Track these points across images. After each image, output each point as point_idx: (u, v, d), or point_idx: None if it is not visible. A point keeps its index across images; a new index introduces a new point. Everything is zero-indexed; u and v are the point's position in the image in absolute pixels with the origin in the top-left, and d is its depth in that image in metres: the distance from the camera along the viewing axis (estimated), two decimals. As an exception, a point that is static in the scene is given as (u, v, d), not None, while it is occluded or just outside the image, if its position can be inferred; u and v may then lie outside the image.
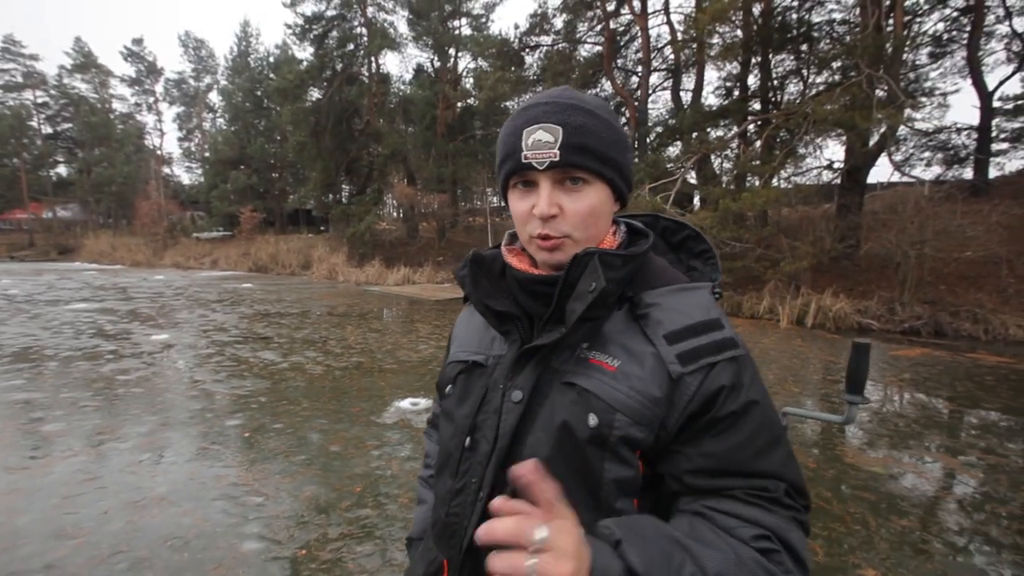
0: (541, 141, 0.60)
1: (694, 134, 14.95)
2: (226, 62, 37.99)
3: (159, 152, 46.24)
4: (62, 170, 45.55)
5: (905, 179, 12.90)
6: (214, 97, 42.92)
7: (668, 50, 18.18)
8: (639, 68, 18.11)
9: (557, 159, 0.60)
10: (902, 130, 14.04)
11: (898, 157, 15.35)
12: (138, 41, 43.94)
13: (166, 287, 15.41)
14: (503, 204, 0.68)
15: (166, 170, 46.85)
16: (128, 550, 2.28)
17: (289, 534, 2.43)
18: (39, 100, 42.72)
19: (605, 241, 0.67)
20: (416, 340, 7.45)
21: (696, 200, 17.35)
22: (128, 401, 4.41)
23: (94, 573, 2.12)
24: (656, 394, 0.58)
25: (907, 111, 11.28)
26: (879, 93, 10.96)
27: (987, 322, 8.83)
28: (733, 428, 0.58)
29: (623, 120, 21.18)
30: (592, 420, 0.58)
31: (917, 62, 15.30)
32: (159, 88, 45.13)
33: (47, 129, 43.82)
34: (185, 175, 47.94)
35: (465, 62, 25.13)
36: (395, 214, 29.80)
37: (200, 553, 2.27)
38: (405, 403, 4.43)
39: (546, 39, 18.84)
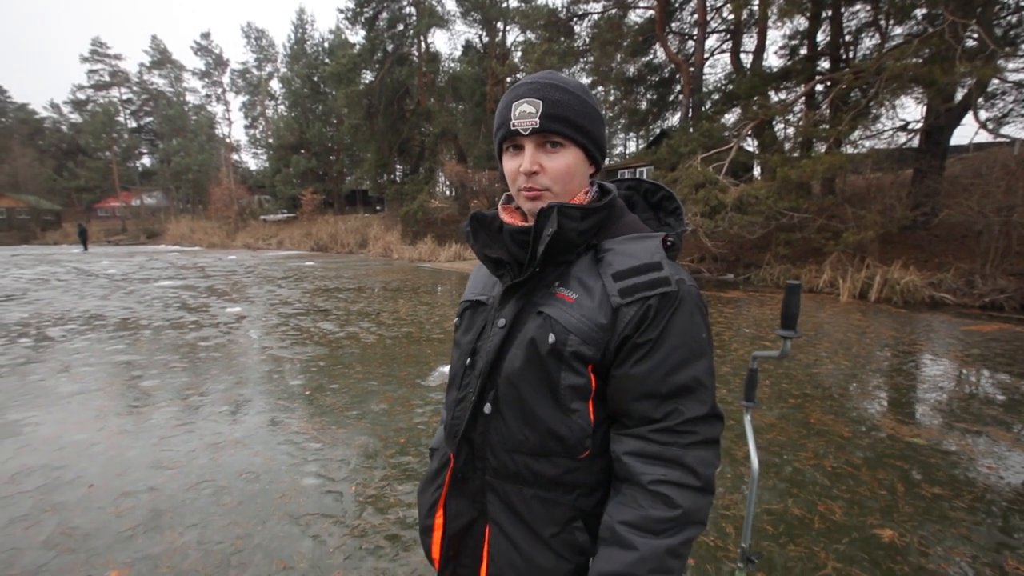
0: (526, 112, 0.76)
1: (754, 99, 14.11)
2: (285, 50, 39.61)
3: (228, 140, 49.32)
4: (146, 161, 49.71)
5: (1000, 139, 11.60)
6: (275, 85, 44.97)
7: (727, 9, 17.10)
8: (695, 31, 17.17)
9: (538, 126, 0.75)
10: (999, 83, 12.56)
11: (993, 113, 13.77)
12: (206, 35, 46.60)
13: (238, 266, 16.72)
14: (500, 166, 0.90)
15: (235, 157, 49.98)
16: (211, 480, 2.70)
17: (341, 473, 2.77)
18: (124, 97, 46.58)
19: (577, 198, 0.81)
20: (462, 313, 7.78)
21: (756, 169, 16.46)
22: (209, 364, 4.99)
23: (186, 495, 2.55)
24: (602, 321, 0.74)
25: (999, 62, 10.10)
26: (969, 42, 9.87)
27: (1085, 296, 7.98)
28: (651, 352, 0.73)
29: (677, 87, 20.27)
30: (551, 338, 0.75)
31: (1022, 2, 13.48)
32: (226, 79, 47.93)
33: (132, 124, 47.81)
34: (252, 161, 51.00)
35: (513, 35, 24.88)
36: (446, 192, 30.33)
37: (268, 485, 2.65)
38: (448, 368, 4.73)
39: (595, 6, 18.23)
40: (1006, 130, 12.79)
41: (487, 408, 0.81)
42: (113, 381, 4.41)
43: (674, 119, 21.72)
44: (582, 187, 0.82)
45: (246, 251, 26.11)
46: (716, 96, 17.18)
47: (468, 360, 0.86)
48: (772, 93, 14.72)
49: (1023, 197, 8.79)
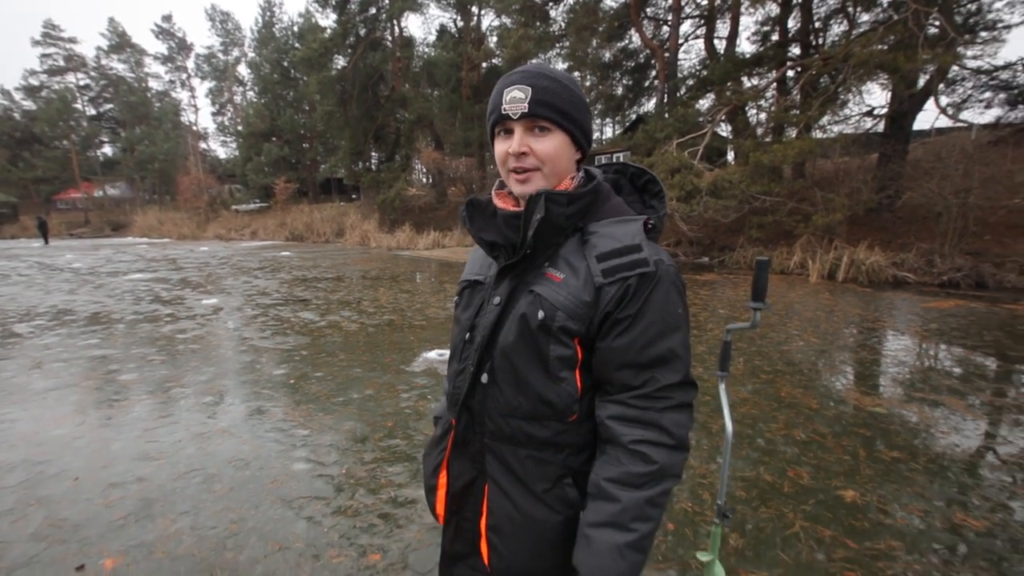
0: (516, 98, 0.81)
1: (727, 84, 14.31)
2: (252, 34, 38.22)
3: (195, 128, 47.59)
4: (108, 150, 47.57)
5: (959, 124, 12.08)
6: (243, 70, 43.48)
7: (700, -6, 17.20)
8: (669, 17, 17.24)
9: (527, 111, 0.81)
10: (958, 70, 13.02)
11: (954, 99, 14.29)
12: (167, 18, 44.67)
13: (211, 257, 16.32)
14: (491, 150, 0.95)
15: (203, 145, 48.32)
16: (201, 468, 2.72)
17: (331, 458, 2.82)
18: (81, 82, 44.37)
19: (563, 183, 0.87)
20: (444, 299, 7.81)
21: (731, 154, 16.75)
22: (188, 356, 4.93)
23: (176, 484, 2.56)
24: (586, 299, 0.81)
25: (959, 49, 10.47)
26: (931, 30, 10.19)
27: (1035, 273, 8.45)
28: (630, 327, 0.79)
29: (652, 73, 20.39)
30: (540, 314, 0.82)
31: (981, -9, 13.90)
32: (190, 64, 46.08)
33: (91, 111, 45.62)
34: (221, 149, 49.49)
35: (488, 20, 24.52)
36: (423, 180, 30.00)
37: (258, 471, 2.68)
38: (432, 354, 4.79)
39: (571, -10, 18.10)
40: (965, 115, 13.26)
41: (484, 378, 0.87)
42: (89, 375, 4.33)
43: (649, 104, 21.88)
44: (568, 171, 0.87)
45: (218, 242, 25.44)
46: (691, 82, 17.35)
47: (467, 335, 0.93)
48: (745, 79, 14.95)
49: (979, 180, 9.21)
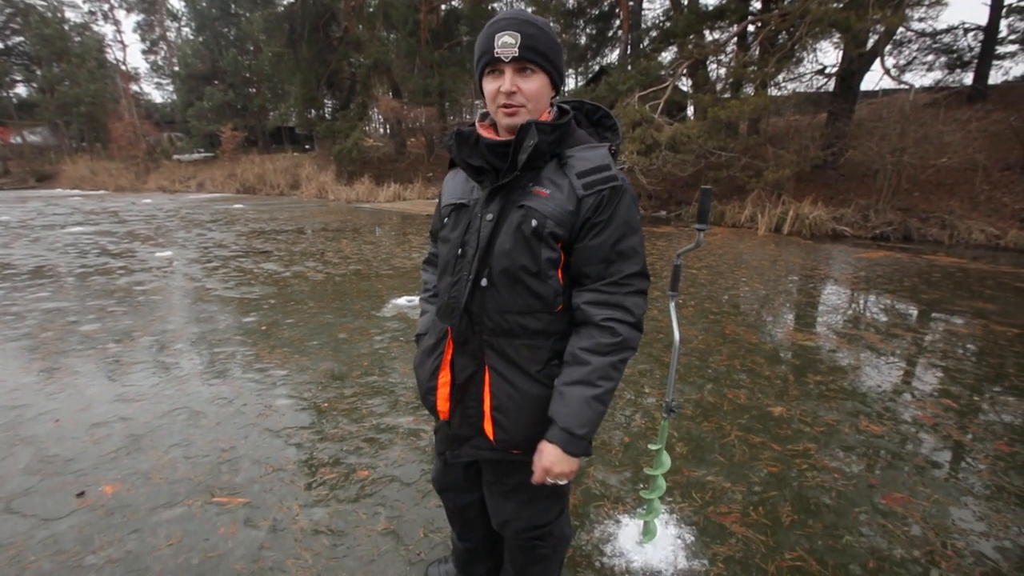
0: (507, 43, 0.95)
1: (690, 37, 14.31)
2: (184, -40, 34.39)
3: (124, 67, 43.23)
4: (22, 90, 42.66)
5: (903, 85, 12.68)
6: (176, 2, 39.44)
7: (666, -60, 16.79)
8: (634, -38, 16.81)
9: (517, 55, 0.95)
10: (904, 32, 13.52)
11: (900, 61, 14.90)
12: (82, -64, 39.37)
13: (157, 210, 15.43)
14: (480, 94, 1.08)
15: (134, 88, 44.07)
16: (184, 407, 2.82)
17: (312, 394, 2.97)
18: (-17, 9, 39.02)
19: (543, 116, 1.03)
20: (409, 250, 7.84)
21: (690, 109, 16.94)
22: (150, 306, 4.85)
23: (160, 421, 2.66)
24: (569, 208, 0.99)
25: (906, 11, 10.86)
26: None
27: (954, 227, 9.27)
28: (604, 229, 0.99)
29: (616, 23, 20.04)
30: (533, 223, 1.00)
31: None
32: (113, -8, 41.17)
33: (-2, 43, 40.45)
34: (156, 92, 45.27)
35: (448, -43, 23.08)
36: (381, 130, 28.84)
37: (243, 407, 2.81)
38: (402, 300, 4.92)
39: (534, -71, 17.26)
40: (908, 77, 13.95)
41: (484, 282, 1.05)
42: (47, 327, 4.23)
43: (612, 56, 21.58)
44: (546, 107, 1.03)
45: (162, 194, 23.88)
46: (654, 33, 17.20)
47: (459, 251, 1.09)
48: (707, 32, 14.97)
49: (913, 140, 9.83)
